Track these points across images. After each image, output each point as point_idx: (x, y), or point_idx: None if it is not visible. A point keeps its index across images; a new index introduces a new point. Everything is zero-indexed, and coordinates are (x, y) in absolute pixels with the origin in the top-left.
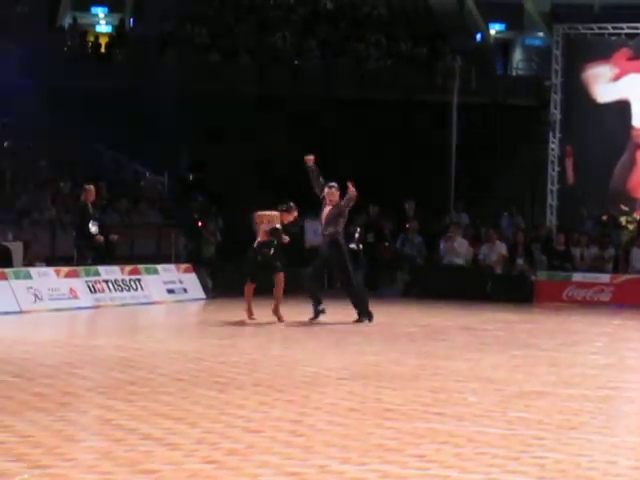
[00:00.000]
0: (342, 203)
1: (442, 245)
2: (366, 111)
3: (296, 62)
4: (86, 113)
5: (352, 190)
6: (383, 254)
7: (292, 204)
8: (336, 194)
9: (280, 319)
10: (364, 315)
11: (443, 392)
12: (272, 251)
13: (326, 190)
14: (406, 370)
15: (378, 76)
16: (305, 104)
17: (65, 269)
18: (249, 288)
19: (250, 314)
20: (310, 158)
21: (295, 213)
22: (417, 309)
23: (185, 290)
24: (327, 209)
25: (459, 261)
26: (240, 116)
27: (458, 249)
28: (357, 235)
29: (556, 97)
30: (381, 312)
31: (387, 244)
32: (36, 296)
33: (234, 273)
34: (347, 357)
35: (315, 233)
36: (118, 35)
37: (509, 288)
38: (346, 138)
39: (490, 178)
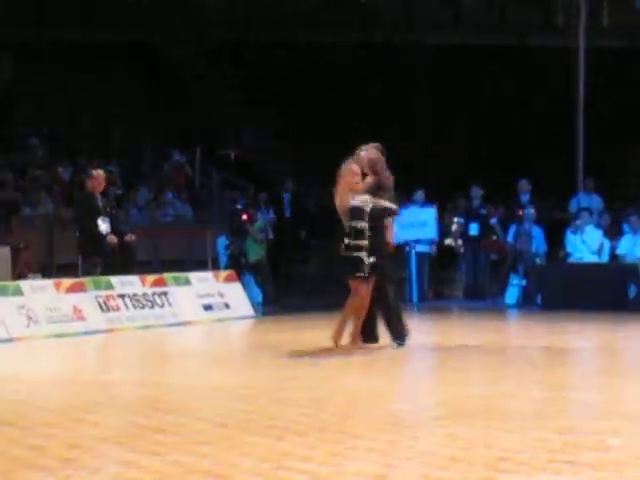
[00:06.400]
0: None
1: (568, 238)
2: (463, 60)
3: None
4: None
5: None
6: (490, 251)
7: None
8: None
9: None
10: (399, 337)
11: (574, 433)
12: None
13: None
14: (525, 405)
15: (476, 14)
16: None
17: (67, 281)
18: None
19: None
20: None
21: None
22: (537, 323)
23: (227, 305)
24: None
25: (591, 258)
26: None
27: (589, 242)
28: (455, 227)
29: None
30: (490, 328)
31: (495, 238)
32: (30, 318)
33: (294, 281)
34: (446, 389)
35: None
36: None
37: None
38: (434, 96)
39: (631, 146)
